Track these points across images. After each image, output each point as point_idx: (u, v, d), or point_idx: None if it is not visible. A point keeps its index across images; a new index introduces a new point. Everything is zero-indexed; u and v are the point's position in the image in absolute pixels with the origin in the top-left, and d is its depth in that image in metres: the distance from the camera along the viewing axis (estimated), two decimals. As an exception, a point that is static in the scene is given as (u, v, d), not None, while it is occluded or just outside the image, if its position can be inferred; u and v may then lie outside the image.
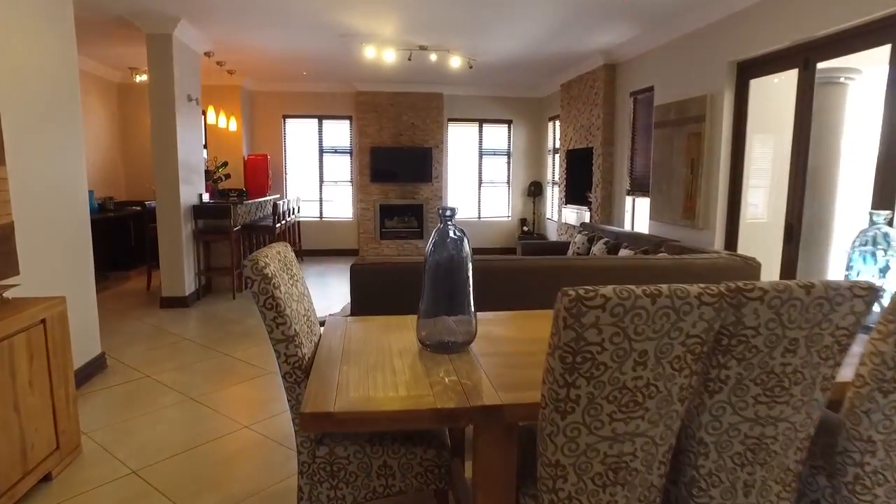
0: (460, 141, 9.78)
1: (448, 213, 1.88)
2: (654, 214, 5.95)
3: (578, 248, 6.36)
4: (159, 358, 4.29)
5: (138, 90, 8.34)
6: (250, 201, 6.75)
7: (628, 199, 6.80)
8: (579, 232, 6.59)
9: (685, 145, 5.35)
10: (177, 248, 5.73)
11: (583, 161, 7.93)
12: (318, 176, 9.38)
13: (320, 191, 9.41)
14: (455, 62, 6.71)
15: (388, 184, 9.32)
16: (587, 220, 7.58)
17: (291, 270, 2.05)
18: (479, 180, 9.89)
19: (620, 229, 6.38)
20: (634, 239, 5.49)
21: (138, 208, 7.39)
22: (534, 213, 9.89)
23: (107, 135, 7.99)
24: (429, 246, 1.91)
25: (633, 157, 6.64)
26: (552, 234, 9.27)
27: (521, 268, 3.28)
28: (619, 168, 6.91)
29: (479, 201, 9.94)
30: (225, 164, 6.55)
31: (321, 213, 9.46)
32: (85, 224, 3.88)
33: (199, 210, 6.00)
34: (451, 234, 1.90)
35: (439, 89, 9.29)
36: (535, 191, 9.80)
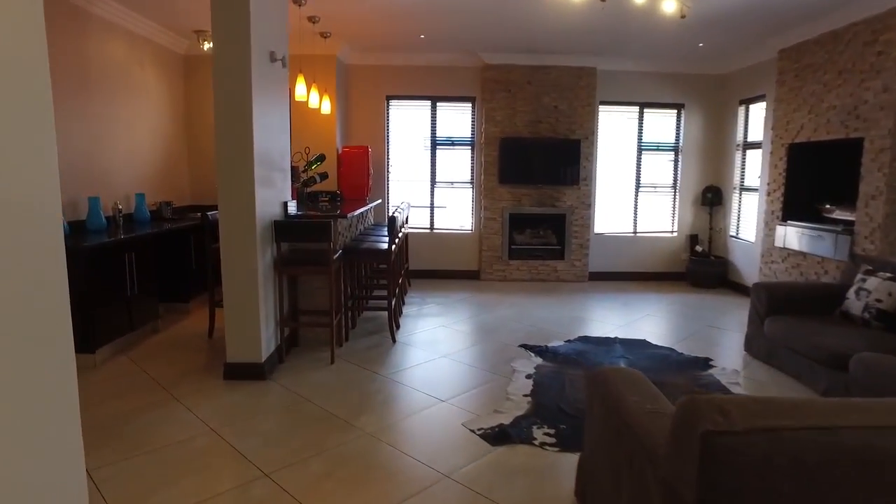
0: (614, 131, 7.39)
1: None
2: None
3: (880, 300, 3.86)
4: (210, 534, 2.20)
5: (208, 63, 6.44)
6: (353, 213, 4.64)
7: (945, 220, 4.23)
8: (869, 273, 4.07)
9: None
10: (249, 290, 3.69)
11: (825, 159, 5.40)
12: (430, 175, 7.23)
13: (431, 194, 7.27)
14: (668, 6, 4.35)
15: (521, 186, 7.06)
16: (828, 244, 5.05)
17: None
18: (636, 183, 7.46)
19: (958, 272, 3.85)
20: None
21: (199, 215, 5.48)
22: (710, 229, 7.36)
23: (167, 120, 6.14)
24: None
25: (965, 151, 4.07)
26: (741, 259, 6.73)
27: None
28: (927, 170, 4.34)
29: (636, 211, 7.51)
30: (321, 158, 4.46)
31: (432, 222, 7.32)
32: (58, 272, 1.80)
33: (283, 228, 3.93)
34: None
35: (591, 62, 6.94)
36: (712, 199, 7.27)
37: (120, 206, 4.97)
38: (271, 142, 3.95)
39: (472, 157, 7.20)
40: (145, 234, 4.62)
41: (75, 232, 4.43)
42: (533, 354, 4.40)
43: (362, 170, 6.36)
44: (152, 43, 5.82)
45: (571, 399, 3.53)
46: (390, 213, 4.64)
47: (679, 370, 4.11)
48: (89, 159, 4.78)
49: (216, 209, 3.78)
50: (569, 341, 4.75)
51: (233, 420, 3.16)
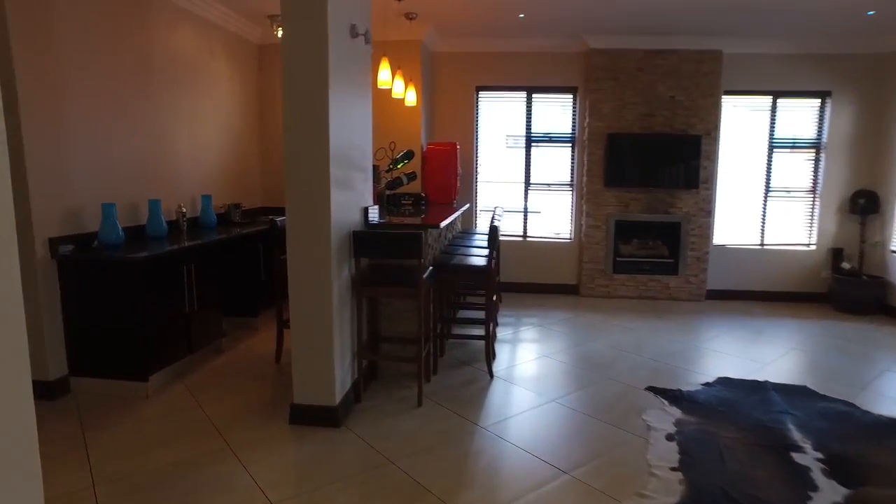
0: (740, 125, 6.28)
1: None
2: None
3: None
4: None
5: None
6: (445, 221, 3.88)
7: None
8: None
9: None
10: (321, 316, 3.01)
11: None
12: (524, 176, 6.40)
13: (525, 198, 6.43)
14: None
15: (629, 190, 6.11)
16: None
17: None
18: (765, 187, 6.32)
19: None
20: None
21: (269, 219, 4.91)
22: (861, 242, 6.12)
23: (238, 115, 5.63)
24: None
25: None
26: (912, 281, 5.48)
27: None
28: None
29: (765, 219, 6.37)
30: (409, 155, 3.74)
31: (525, 230, 6.48)
32: (14, 328, 1.11)
33: (364, 240, 3.23)
34: None
35: (716, 44, 5.89)
36: (865, 206, 6.03)
37: (184, 209, 4.45)
38: (351, 135, 3.26)
39: (573, 155, 6.31)
40: (208, 242, 4.05)
41: (133, 239, 3.93)
42: (666, 402, 3.49)
43: (450, 169, 5.62)
44: (224, 30, 5.32)
45: (737, 477, 2.62)
46: (490, 221, 3.85)
47: (876, 440, 3.07)
48: (152, 158, 4.28)
49: (282, 218, 3.13)
50: (707, 385, 3.80)
51: (298, 489, 2.47)
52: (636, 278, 6.25)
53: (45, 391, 3.41)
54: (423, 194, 5.18)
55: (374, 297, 3.55)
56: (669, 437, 3.02)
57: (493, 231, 3.61)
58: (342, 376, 3.16)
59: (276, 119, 5.96)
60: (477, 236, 5.30)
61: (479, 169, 6.46)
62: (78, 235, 3.53)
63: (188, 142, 4.74)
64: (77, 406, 3.32)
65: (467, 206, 5.99)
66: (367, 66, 3.58)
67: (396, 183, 3.79)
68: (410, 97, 5.19)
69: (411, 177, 3.85)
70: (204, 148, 4.99)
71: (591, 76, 6.03)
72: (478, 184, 6.48)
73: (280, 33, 5.35)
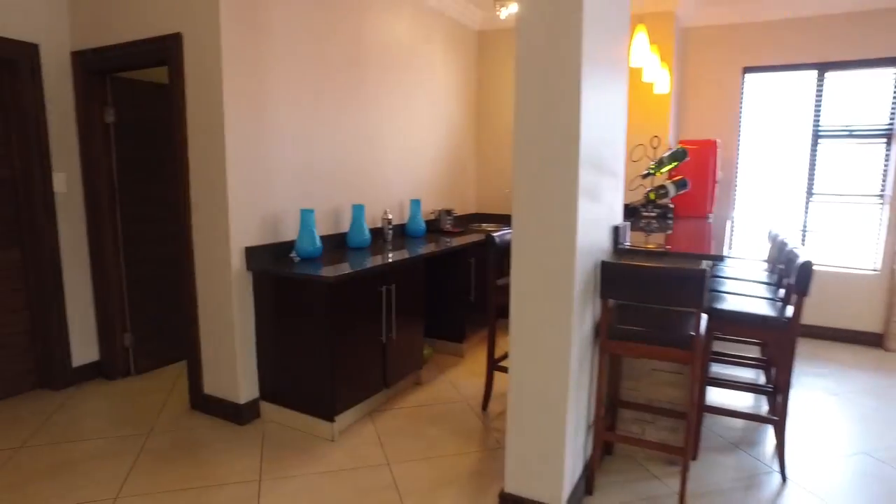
0: None
1: None
2: None
3: None
4: None
5: (506, 39, 5.19)
6: (727, 251, 2.75)
7: None
8: None
9: None
10: (553, 380, 2.13)
11: None
12: (806, 183, 4.84)
13: (805, 212, 4.87)
14: None
15: (984, 206, 4.23)
16: None
17: None
18: None
19: None
20: None
21: (490, 227, 4.20)
22: None
23: (455, 110, 5.04)
24: None
25: None
26: None
27: None
28: None
29: None
30: (680, 156, 2.69)
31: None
32: None
33: (617, 275, 2.28)
34: None
35: None
36: None
37: (390, 216, 3.93)
38: (603, 129, 2.33)
39: (888, 154, 4.58)
40: (413, 258, 3.43)
41: (333, 248, 3.49)
42: None
43: (706, 174, 4.36)
44: (441, 16, 4.75)
45: None
46: (781, 247, 2.63)
47: None
48: (358, 157, 3.82)
49: (506, 219, 2.33)
50: None
51: None
52: (984, 333, 4.33)
53: (234, 414, 3.08)
54: (670, 205, 4.04)
55: (615, 354, 2.57)
56: None
57: (806, 269, 2.39)
58: (573, 462, 2.25)
59: (495, 114, 5.28)
60: (738, 263, 4.00)
61: (738, 171, 5.05)
62: (275, 245, 3.15)
63: (398, 140, 4.23)
64: (262, 438, 2.91)
65: (728, 222, 4.65)
66: (625, 33, 2.63)
67: (661, 192, 2.77)
68: (662, 83, 4.09)
69: (681, 185, 2.77)
70: (415, 146, 4.46)
71: (926, 43, 4.28)
72: (737, 192, 5.07)
73: (504, 14, 4.64)
